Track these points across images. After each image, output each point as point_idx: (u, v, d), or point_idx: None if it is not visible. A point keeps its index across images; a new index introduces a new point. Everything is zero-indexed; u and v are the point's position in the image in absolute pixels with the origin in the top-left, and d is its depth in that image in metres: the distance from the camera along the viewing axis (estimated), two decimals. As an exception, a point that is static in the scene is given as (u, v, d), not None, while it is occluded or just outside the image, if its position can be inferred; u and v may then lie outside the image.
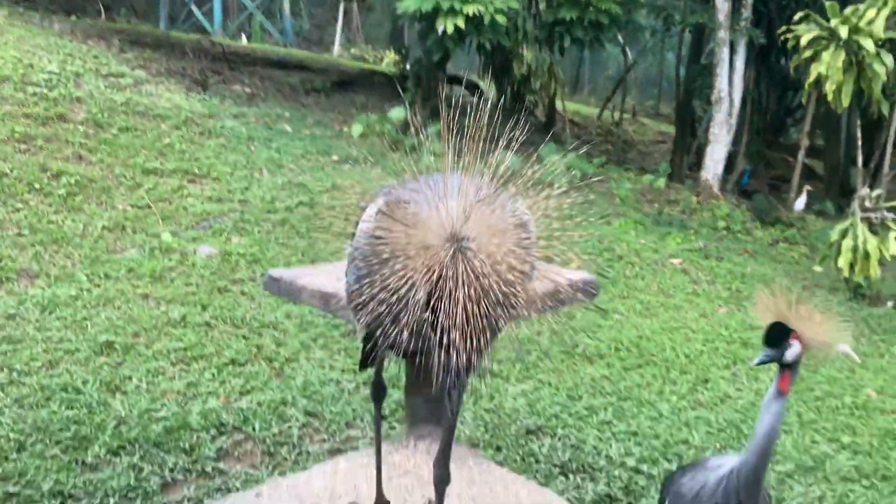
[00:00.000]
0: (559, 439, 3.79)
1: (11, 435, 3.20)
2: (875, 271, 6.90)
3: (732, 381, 4.91)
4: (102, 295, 4.78)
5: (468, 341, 1.23)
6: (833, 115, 13.96)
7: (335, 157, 9.25)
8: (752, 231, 10.33)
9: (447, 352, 1.24)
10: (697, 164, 13.12)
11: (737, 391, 4.73)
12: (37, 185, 6.24)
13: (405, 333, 1.28)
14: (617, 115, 18.58)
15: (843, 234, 7.07)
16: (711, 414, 4.32)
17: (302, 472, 1.95)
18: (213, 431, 3.48)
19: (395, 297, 1.27)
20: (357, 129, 10.32)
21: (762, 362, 1.83)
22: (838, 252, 7.04)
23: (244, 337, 4.55)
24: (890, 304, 7.11)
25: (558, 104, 14.71)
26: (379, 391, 1.90)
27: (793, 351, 1.74)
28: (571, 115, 16.45)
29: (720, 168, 11.62)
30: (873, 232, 6.96)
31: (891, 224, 6.96)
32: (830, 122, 14.27)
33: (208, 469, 3.23)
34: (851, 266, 6.95)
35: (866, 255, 6.85)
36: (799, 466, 3.81)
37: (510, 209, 1.42)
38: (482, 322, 1.23)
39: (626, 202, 10.57)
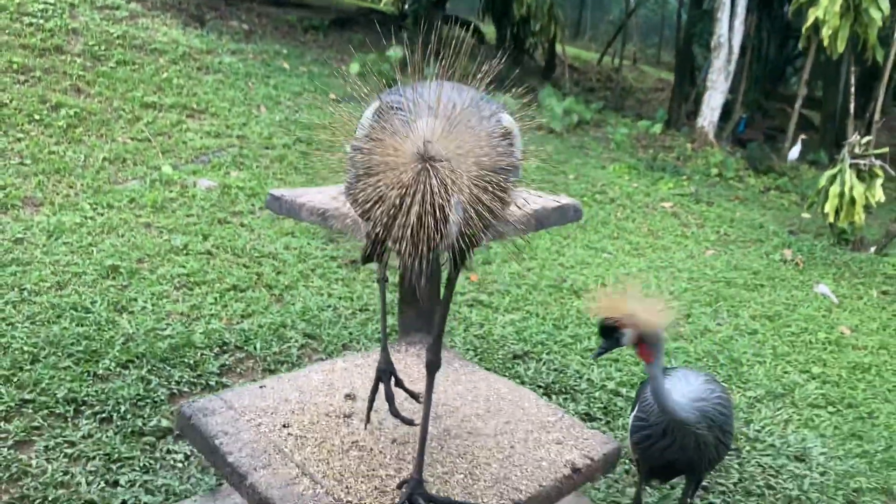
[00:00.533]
0: (544, 364, 4.00)
1: (25, 348, 3.38)
2: (860, 217, 7.07)
3: (713, 316, 5.12)
4: (106, 223, 4.92)
5: (418, 251, 1.29)
6: (832, 66, 13.91)
7: (332, 96, 9.26)
8: (745, 179, 10.45)
9: (401, 258, 1.33)
10: (695, 113, 13.13)
11: (717, 325, 4.94)
12: (37, 116, 6.30)
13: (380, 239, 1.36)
14: (617, 61, 18.41)
15: (832, 181, 7.21)
16: (690, 346, 4.53)
17: (302, 369, 2.13)
18: (216, 350, 3.67)
19: (367, 209, 1.35)
20: (355, 67, 10.29)
21: (599, 354, 2.03)
22: (825, 198, 7.19)
23: (245, 265, 4.71)
24: (872, 249, 7.29)
25: (558, 48, 14.60)
26: (382, 280, 1.96)
27: (627, 337, 1.92)
28: (571, 59, 16.32)
29: (716, 116, 11.66)
30: (861, 178, 7.10)
31: (878, 171, 7.09)
32: (830, 72, 14.22)
33: (212, 383, 3.42)
34: (837, 212, 7.10)
35: (852, 201, 7.00)
36: (769, 392, 4.04)
37: (493, 121, 1.48)
38: (436, 237, 1.28)
39: (622, 147, 10.65)
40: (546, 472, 1.72)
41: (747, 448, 3.48)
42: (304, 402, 1.93)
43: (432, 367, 1.65)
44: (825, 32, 8.17)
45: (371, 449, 1.75)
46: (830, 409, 4.01)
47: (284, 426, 1.80)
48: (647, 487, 2.58)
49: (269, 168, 6.65)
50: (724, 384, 2.23)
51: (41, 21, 7.88)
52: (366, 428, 1.83)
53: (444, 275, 1.69)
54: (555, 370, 3.95)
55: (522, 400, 2.06)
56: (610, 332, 1.96)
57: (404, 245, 1.29)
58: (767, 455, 3.44)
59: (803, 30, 8.85)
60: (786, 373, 4.37)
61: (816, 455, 3.48)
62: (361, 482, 1.61)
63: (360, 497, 1.57)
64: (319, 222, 2.43)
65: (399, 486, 1.62)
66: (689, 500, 2.30)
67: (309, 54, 10.97)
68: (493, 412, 1.98)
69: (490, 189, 1.37)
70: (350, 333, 4.04)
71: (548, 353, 4.13)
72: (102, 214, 5.07)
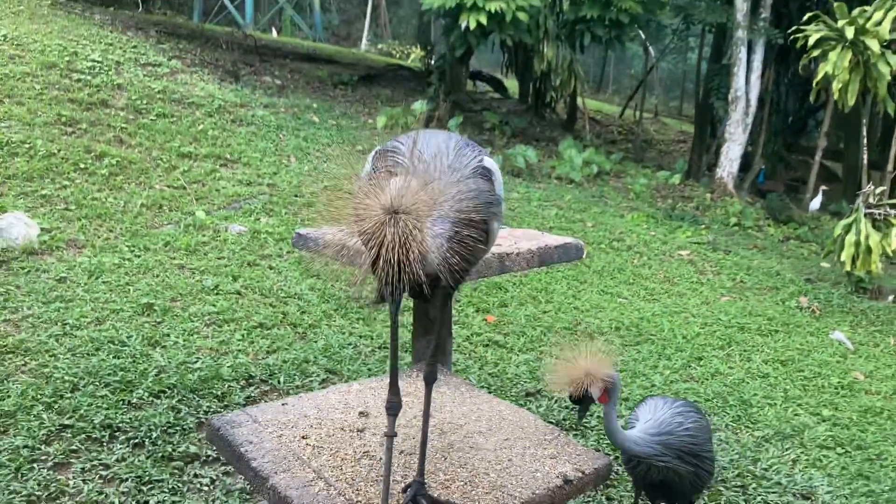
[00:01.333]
0: (555, 402, 4.14)
1: (66, 377, 3.62)
2: (876, 266, 7.13)
3: (725, 360, 5.21)
4: (142, 264, 5.21)
5: (396, 288, 1.49)
6: (854, 118, 14.07)
7: (359, 147, 9.65)
8: (764, 228, 10.55)
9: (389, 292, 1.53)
10: (716, 164, 13.33)
11: (728, 368, 5.03)
12: (81, 165, 6.71)
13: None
14: (638, 114, 18.77)
15: (847, 230, 7.30)
16: (701, 387, 4.63)
17: (321, 391, 2.32)
18: (242, 382, 3.88)
19: (354, 251, 1.57)
20: (381, 120, 10.72)
21: (581, 417, 2.22)
22: (842, 246, 7.27)
23: (271, 305, 4.95)
24: (891, 298, 7.32)
25: (579, 102, 14.99)
26: (394, 406, 1.84)
27: (594, 391, 2.08)
28: (593, 113, 16.71)
29: (735, 166, 11.83)
30: (876, 228, 7.18)
31: (893, 220, 7.17)
32: (851, 124, 14.36)
33: (238, 413, 3.62)
34: (853, 260, 7.17)
35: (868, 250, 7.07)
36: (777, 433, 4.11)
37: (475, 163, 1.71)
38: (411, 276, 1.46)
39: (641, 197, 10.84)
40: (540, 482, 1.87)
41: (753, 485, 3.56)
42: (321, 418, 2.12)
43: (429, 378, 1.84)
44: (835, 86, 8.39)
45: (380, 458, 1.93)
46: (839, 450, 4.06)
47: (303, 437, 1.99)
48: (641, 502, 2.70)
49: (298, 214, 6.95)
50: (699, 410, 2.34)
51: (89, 77, 8.43)
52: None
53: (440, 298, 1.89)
54: (566, 408, 4.07)
55: (522, 420, 2.23)
56: (580, 399, 2.12)
57: (382, 279, 1.49)
58: (773, 492, 3.51)
59: (814, 84, 9.07)
60: (796, 415, 4.43)
61: (822, 493, 3.54)
62: (370, 486, 1.79)
63: (368, 498, 1.74)
64: (336, 257, 2.66)
65: (403, 490, 1.79)
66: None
67: (338, 108, 11.45)
68: (495, 430, 2.15)
69: (467, 224, 1.58)
70: (369, 369, 4.23)
71: (559, 392, 4.26)
72: (139, 256, 5.38)
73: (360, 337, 4.68)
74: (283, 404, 2.18)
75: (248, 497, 3.09)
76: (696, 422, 2.19)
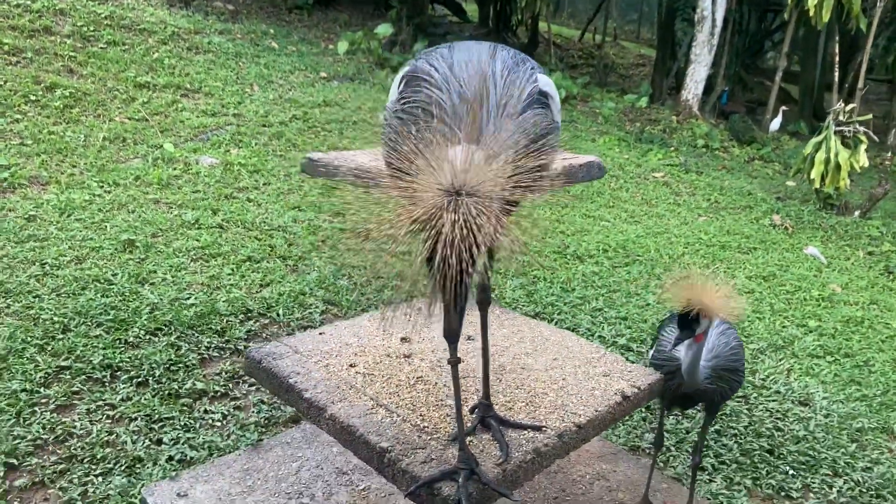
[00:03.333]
0: (556, 323, 4.15)
1: (55, 318, 3.44)
2: (845, 182, 7.29)
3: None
4: (115, 200, 4.95)
5: (457, 281, 1.25)
6: (810, 39, 14.14)
7: (323, 74, 9.28)
8: (730, 149, 10.67)
9: (441, 287, 1.29)
10: (677, 87, 13.31)
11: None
12: (32, 97, 6.27)
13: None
14: (598, 37, 18.52)
15: (817, 148, 7.41)
16: (693, 304, 4.70)
17: (356, 317, 2.24)
18: (240, 317, 3.76)
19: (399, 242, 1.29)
20: (343, 45, 10.30)
21: (676, 344, 2.07)
22: (811, 164, 7.39)
23: (256, 238, 4.79)
24: (857, 213, 7.53)
25: (542, 26, 14.67)
26: (453, 333, 1.58)
27: (702, 325, 2.02)
28: (554, 36, 16.39)
29: (700, 89, 11.83)
30: (845, 145, 7.31)
31: (862, 137, 7.30)
32: (808, 45, 14.46)
33: (240, 347, 3.52)
34: (823, 178, 7.31)
35: (837, 167, 7.21)
36: (770, 345, 4.23)
37: (531, 85, 1.42)
38: (470, 264, 1.21)
39: (610, 121, 10.79)
40: (599, 399, 1.85)
41: (755, 395, 3.66)
42: (363, 346, 2.04)
43: (483, 304, 1.77)
44: (811, 3, 8.35)
45: (435, 383, 1.87)
46: (829, 358, 4.20)
47: (351, 366, 1.91)
48: (668, 417, 2.73)
49: (269, 145, 6.69)
50: (734, 328, 2.34)
51: (28, 2, 7.79)
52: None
53: None
54: (566, 327, 4.09)
55: (566, 340, 2.20)
56: (689, 323, 2.05)
57: (441, 284, 1.26)
58: (773, 401, 3.63)
59: (789, 1, 9.01)
60: (784, 327, 4.56)
61: (819, 400, 3.68)
62: (433, 411, 1.73)
63: (434, 423, 1.69)
64: (354, 181, 2.53)
65: (471, 411, 1.74)
66: (707, 431, 2.46)
67: (296, 33, 10.94)
68: (540, 350, 2.11)
69: (528, 168, 1.31)
70: (368, 300, 4.15)
71: (559, 314, 4.28)
72: (110, 192, 5.10)
73: (354, 268, 4.56)
74: (320, 334, 2.10)
75: (263, 430, 3.03)
76: (735, 338, 2.20)
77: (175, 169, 5.71)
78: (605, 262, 5.29)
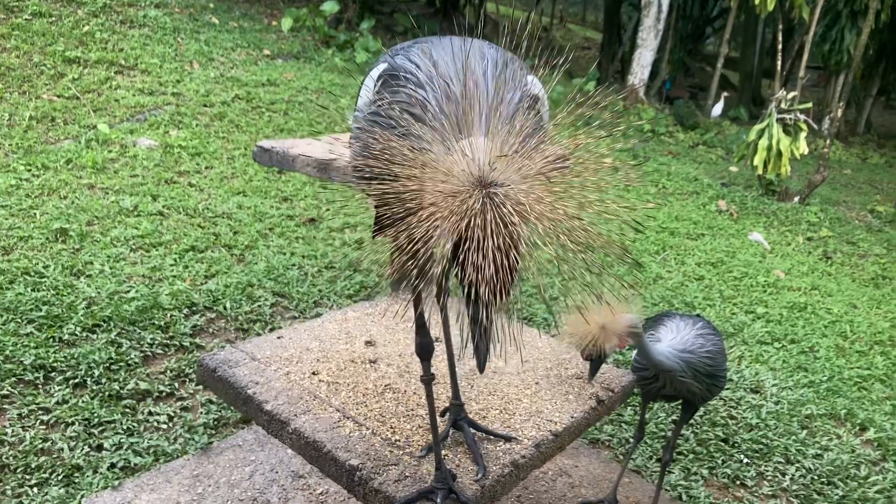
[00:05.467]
0: (510, 312, 4.09)
1: (-20, 315, 3.19)
2: (786, 169, 7.47)
3: (662, 264, 5.34)
4: (45, 185, 4.64)
5: (497, 294, 1.14)
6: (750, 26, 14.47)
7: (267, 52, 8.95)
8: (675, 134, 10.83)
9: (475, 304, 1.15)
10: (621, 71, 13.45)
11: (667, 273, 5.17)
12: (-50, 72, 5.83)
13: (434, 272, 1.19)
14: (545, 20, 18.53)
15: (760, 135, 7.57)
16: (647, 292, 4.73)
17: (316, 319, 2.11)
18: (185, 311, 3.57)
19: (418, 248, 1.14)
20: (287, 22, 9.96)
21: (593, 374, 1.97)
22: (755, 151, 7.55)
23: (200, 226, 4.57)
24: (796, 199, 7.74)
25: (491, 7, 14.56)
26: (426, 348, 1.51)
27: (609, 347, 1.91)
28: (499, 18, 16.29)
29: (646, 74, 11.96)
30: (787, 132, 7.48)
31: (802, 125, 7.49)
32: (748, 32, 14.80)
33: (186, 343, 3.34)
34: (765, 164, 7.48)
35: (779, 154, 7.38)
36: (722, 332, 4.28)
37: (522, 89, 1.30)
38: (511, 273, 1.13)
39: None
40: (574, 404, 1.79)
41: (709, 384, 3.70)
42: (325, 351, 1.92)
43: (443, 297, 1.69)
44: (757, -9, 8.50)
45: (405, 391, 1.77)
46: (776, 344, 4.29)
47: (314, 373, 1.80)
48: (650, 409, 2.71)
49: (210, 126, 6.40)
50: (716, 331, 2.30)
51: (-58, -33, 7.22)
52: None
53: None
54: (524, 319, 4.05)
55: (535, 339, 2.13)
56: (596, 356, 1.95)
57: (480, 290, 1.11)
58: (727, 389, 3.67)
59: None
60: (733, 314, 4.64)
61: (769, 387, 3.74)
62: (404, 422, 1.64)
63: (406, 436, 1.59)
64: (315, 174, 2.40)
65: (442, 414, 1.66)
66: (680, 430, 2.45)
67: (237, 8, 10.52)
68: (511, 352, 2.04)
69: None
70: (319, 291, 4.01)
71: (515, 304, 4.22)
72: (38, 176, 4.78)
73: (303, 257, 4.41)
74: (278, 338, 1.97)
75: (213, 432, 2.88)
76: (715, 344, 2.17)
77: (110, 151, 5.39)
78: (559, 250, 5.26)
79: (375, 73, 1.37)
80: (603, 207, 1.35)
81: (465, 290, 1.13)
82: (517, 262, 1.14)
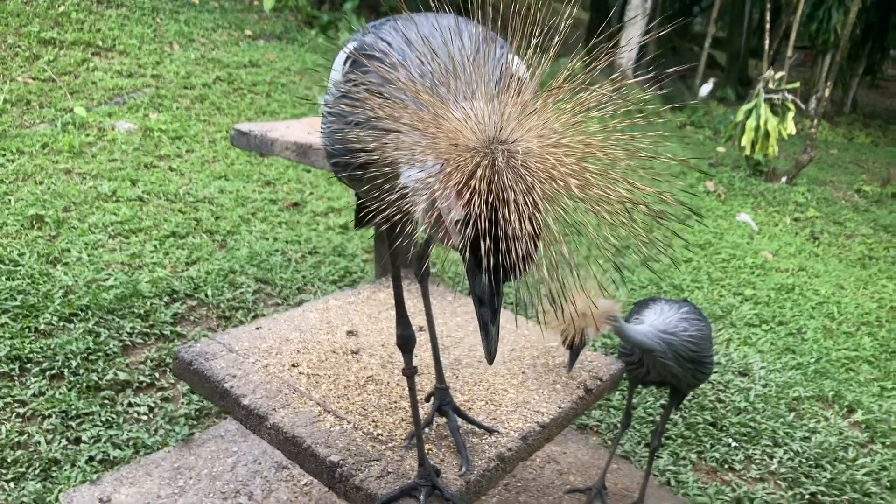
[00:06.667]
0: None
1: (-48, 305, 3.11)
2: (773, 149, 7.45)
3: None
4: (19, 170, 4.52)
5: (523, 260, 1.02)
6: (737, 6, 14.39)
7: (248, 32, 8.78)
8: (663, 115, 10.77)
9: (492, 279, 1.05)
10: (609, 51, 13.34)
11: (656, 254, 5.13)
12: (-80, 54, 5.66)
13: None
14: (531, -2, 18.32)
15: (748, 115, 7.53)
16: (634, 276, 4.69)
17: (296, 308, 2.05)
18: (165, 298, 3.50)
19: (406, 213, 1.06)
20: (269, 2, 9.76)
21: (572, 364, 1.92)
22: (742, 131, 7.51)
23: (180, 211, 4.47)
24: (783, 179, 7.73)
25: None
26: (408, 341, 1.47)
27: (590, 338, 1.87)
28: (487, -4, 16.11)
29: (634, 53, 11.87)
30: (774, 112, 7.45)
31: (790, 105, 7.45)
32: (735, 12, 14.72)
33: (166, 332, 3.27)
34: (753, 145, 7.45)
35: (766, 135, 7.35)
36: (710, 315, 4.27)
37: (503, 68, 1.17)
38: (535, 240, 1.02)
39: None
40: (561, 394, 1.74)
41: (697, 367, 3.68)
42: (306, 341, 1.86)
43: (423, 277, 1.64)
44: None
45: (387, 382, 1.72)
46: (764, 327, 4.28)
47: (294, 365, 1.74)
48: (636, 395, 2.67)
49: (191, 109, 6.27)
50: (702, 316, 2.25)
51: (-89, -55, 6.99)
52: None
53: None
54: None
55: (520, 327, 2.08)
56: (576, 345, 1.89)
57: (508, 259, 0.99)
58: (715, 372, 3.65)
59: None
60: (721, 296, 4.62)
61: (757, 370, 3.73)
62: (387, 415, 1.59)
63: (388, 430, 1.54)
64: (295, 158, 2.32)
65: (427, 399, 1.61)
66: (668, 416, 2.42)
67: (218, -12, 10.29)
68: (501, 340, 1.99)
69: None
70: (303, 277, 3.94)
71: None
72: (13, 161, 4.65)
73: (287, 242, 4.34)
74: (256, 328, 1.90)
75: (195, 423, 2.82)
76: (699, 329, 2.12)
77: (88, 135, 5.27)
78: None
79: (344, 52, 1.29)
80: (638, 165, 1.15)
81: (481, 262, 1.00)
82: (540, 228, 1.02)
